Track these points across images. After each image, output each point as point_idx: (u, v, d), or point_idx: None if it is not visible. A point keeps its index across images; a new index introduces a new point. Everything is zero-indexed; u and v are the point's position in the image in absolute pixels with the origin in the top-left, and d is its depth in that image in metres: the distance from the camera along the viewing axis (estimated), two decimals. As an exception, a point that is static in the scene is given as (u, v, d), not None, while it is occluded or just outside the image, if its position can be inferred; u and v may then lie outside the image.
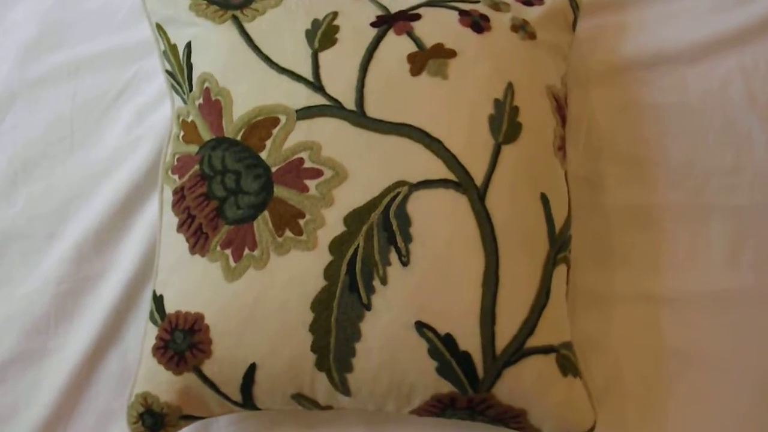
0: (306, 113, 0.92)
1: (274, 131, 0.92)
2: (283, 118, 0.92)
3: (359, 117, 0.91)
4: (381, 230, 0.87)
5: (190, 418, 0.96)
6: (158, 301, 0.94)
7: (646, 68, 1.19)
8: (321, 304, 0.87)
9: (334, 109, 0.92)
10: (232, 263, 0.90)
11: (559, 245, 0.93)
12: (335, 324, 0.87)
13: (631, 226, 1.11)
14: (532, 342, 0.88)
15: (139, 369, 0.95)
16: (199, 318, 0.90)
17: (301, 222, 0.89)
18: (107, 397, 1.08)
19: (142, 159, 1.16)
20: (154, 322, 0.94)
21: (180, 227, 0.94)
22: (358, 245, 0.88)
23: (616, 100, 1.18)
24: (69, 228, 1.16)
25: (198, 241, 0.92)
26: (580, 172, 1.12)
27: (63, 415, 1.08)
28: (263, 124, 0.92)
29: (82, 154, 1.20)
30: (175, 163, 0.98)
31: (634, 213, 1.12)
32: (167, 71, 1.05)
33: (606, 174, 1.14)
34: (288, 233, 0.89)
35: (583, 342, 1.00)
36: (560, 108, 1.00)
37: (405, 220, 0.88)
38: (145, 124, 1.19)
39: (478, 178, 0.89)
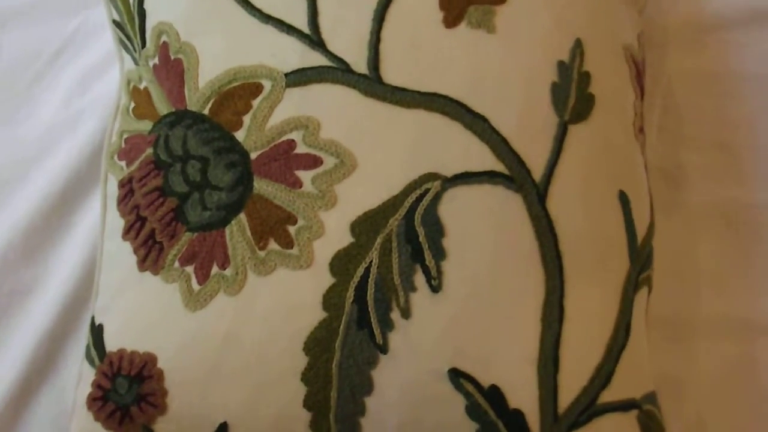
0: (299, 78, 0.81)
1: (255, 103, 0.81)
2: (267, 85, 0.81)
3: (373, 84, 0.80)
4: (403, 242, 0.77)
5: None
6: (97, 333, 0.83)
7: (740, 28, 1.08)
8: (318, 344, 0.76)
9: (338, 72, 0.81)
10: (196, 286, 0.79)
11: (642, 261, 0.82)
12: (338, 371, 0.76)
13: (719, 232, 1.00)
14: (608, 396, 0.76)
15: (71, 425, 0.84)
16: (150, 360, 0.80)
17: (292, 230, 0.78)
18: None
19: (85, 139, 1.07)
20: (91, 361, 0.82)
21: (126, 233, 0.83)
22: (371, 263, 0.77)
23: (700, 68, 1.07)
24: None
25: (149, 253, 0.81)
26: (653, 162, 0.99)
27: None
28: (240, 92, 0.82)
29: (8, 133, 1.11)
30: (123, 145, 0.88)
31: (723, 215, 1.01)
32: (115, 22, 0.95)
33: (686, 165, 1.03)
34: (273, 245, 0.78)
35: (660, 382, 0.86)
36: (639, 76, 0.89)
37: (437, 229, 0.77)
38: (89, 94, 1.11)
39: (537, 171, 0.78)
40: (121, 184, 0.86)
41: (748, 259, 1.00)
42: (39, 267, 1.05)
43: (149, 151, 0.85)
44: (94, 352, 0.83)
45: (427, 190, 0.79)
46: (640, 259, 0.82)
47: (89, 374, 0.83)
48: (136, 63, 0.91)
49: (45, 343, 1.01)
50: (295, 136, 0.81)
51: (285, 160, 0.81)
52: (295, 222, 0.80)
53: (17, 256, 1.05)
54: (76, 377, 0.86)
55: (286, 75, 0.82)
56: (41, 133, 1.11)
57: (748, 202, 1.02)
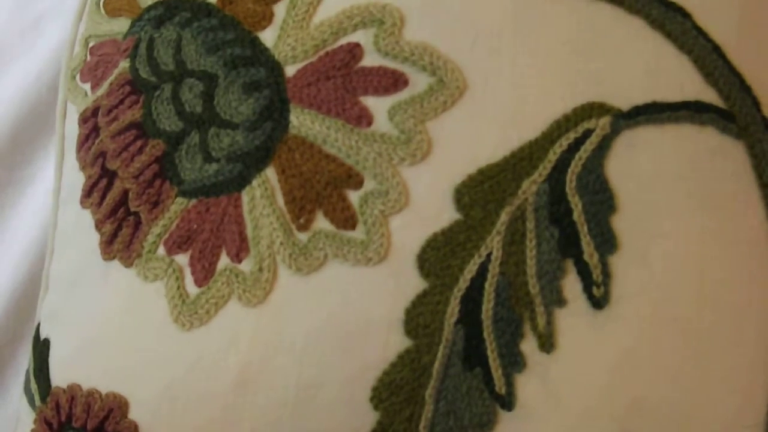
0: None
1: None
2: None
3: None
4: (545, 222, 0.57)
5: None
6: (41, 352, 0.67)
7: None
8: (397, 392, 0.58)
9: None
10: (193, 288, 0.60)
11: None
12: None
13: None
14: None
15: None
16: (117, 407, 0.61)
17: (354, 196, 0.58)
18: None
19: (46, 54, 0.91)
20: (30, 399, 0.66)
21: (87, 196, 0.65)
22: (490, 257, 0.57)
23: None
24: None
25: (119, 230, 0.63)
26: None
27: None
28: None
29: None
30: (88, 57, 0.71)
31: None
32: None
33: None
34: (322, 222, 0.58)
35: None
36: None
37: (603, 200, 0.57)
38: None
39: None
40: (83, 119, 0.68)
41: None
42: None
43: (124, 64, 0.66)
44: (34, 385, 0.66)
45: (587, 133, 0.57)
46: None
47: (28, 419, 0.67)
48: None
49: None
50: (362, 37, 0.60)
51: (344, 79, 0.60)
52: (360, 184, 0.59)
53: None
54: (15, 419, 0.72)
55: None
56: None
57: None
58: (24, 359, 0.81)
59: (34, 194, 0.89)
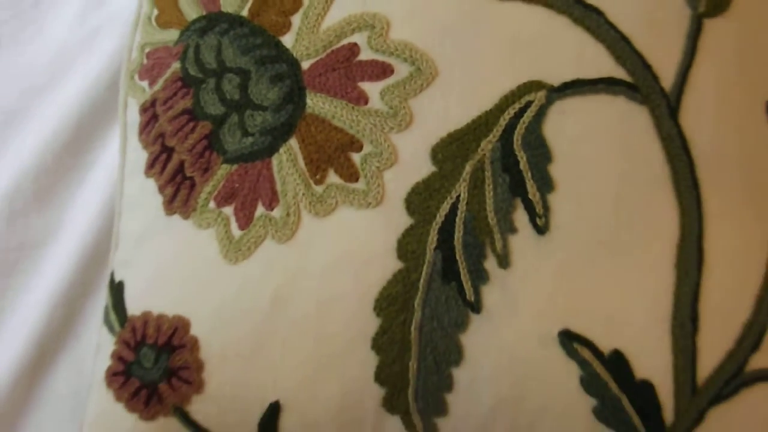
0: None
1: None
2: None
3: None
4: (499, 171, 0.70)
5: None
6: (117, 292, 0.78)
7: None
8: (393, 302, 0.70)
9: None
10: (236, 231, 0.73)
11: None
12: (418, 336, 0.70)
13: None
14: (760, 361, 0.69)
15: (87, 406, 0.78)
16: (181, 326, 0.73)
17: (356, 157, 0.71)
18: None
19: (103, 60, 1.02)
20: (110, 328, 0.77)
21: (150, 168, 0.78)
22: (458, 198, 0.70)
23: None
24: None
25: (178, 191, 0.75)
26: None
27: None
28: None
29: (12, 57, 1.06)
30: (145, 61, 0.82)
31: None
32: None
33: None
34: (333, 178, 0.72)
35: None
36: None
37: (542, 153, 0.70)
38: (107, 8, 1.06)
39: (667, 77, 0.70)
40: (143, 109, 0.80)
41: None
42: (52, 215, 0.99)
43: (176, 65, 0.78)
44: (113, 316, 0.78)
45: (528, 104, 0.70)
46: None
47: (108, 343, 0.77)
48: None
49: (61, 304, 0.95)
50: (358, 38, 0.73)
51: (346, 70, 0.73)
52: (360, 148, 0.71)
53: (26, 204, 1.00)
54: (95, 346, 0.81)
55: None
56: (51, 56, 1.06)
57: None
58: (91, 310, 0.94)
59: (95, 175, 0.98)
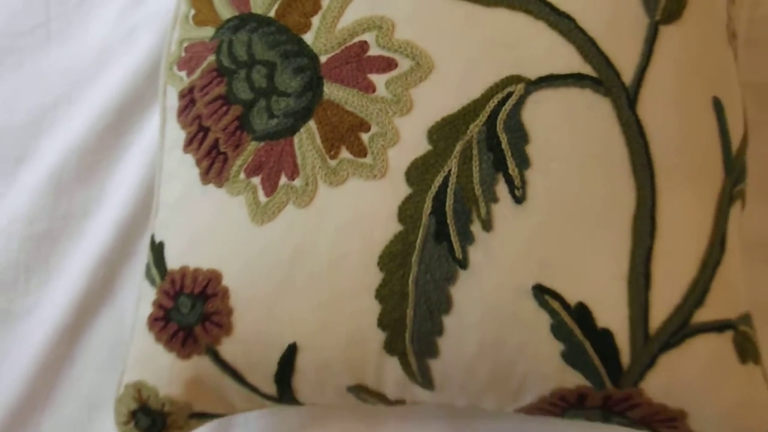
0: None
1: (325, 2, 0.81)
2: None
3: None
4: (484, 150, 0.76)
5: (203, 417, 0.86)
6: (157, 250, 0.83)
7: None
8: (393, 259, 0.75)
9: None
10: (263, 198, 0.79)
11: (737, 173, 0.80)
12: (414, 288, 0.75)
13: None
14: (702, 315, 0.74)
15: (130, 348, 0.84)
16: (214, 277, 0.79)
17: (365, 137, 0.77)
18: (94, 379, 1.00)
19: (141, 55, 1.08)
20: (152, 281, 0.82)
21: (188, 145, 0.83)
22: (450, 172, 0.76)
23: None
24: (44, 148, 1.07)
25: (213, 164, 0.81)
26: (741, 77, 0.92)
27: (36, 402, 1.00)
28: None
29: (61, 48, 1.11)
30: (183, 54, 0.87)
31: None
32: None
33: None
34: (345, 153, 0.78)
35: (752, 310, 0.83)
36: None
37: (520, 135, 0.75)
38: (144, 8, 1.11)
39: (627, 73, 0.76)
40: (182, 95, 0.86)
41: None
42: (94, 189, 1.06)
43: (211, 58, 0.85)
44: (154, 271, 0.84)
45: (509, 94, 0.77)
46: (735, 170, 0.81)
47: (150, 294, 0.83)
48: None
49: (102, 266, 1.02)
50: (368, 37, 0.80)
51: (357, 63, 0.80)
52: (368, 129, 0.78)
53: (72, 178, 1.06)
54: (136, 299, 0.87)
55: None
56: (94, 51, 1.11)
57: None
58: (127, 272, 1.01)
59: (132, 154, 1.05)
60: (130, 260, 1.03)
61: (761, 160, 0.96)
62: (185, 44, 0.88)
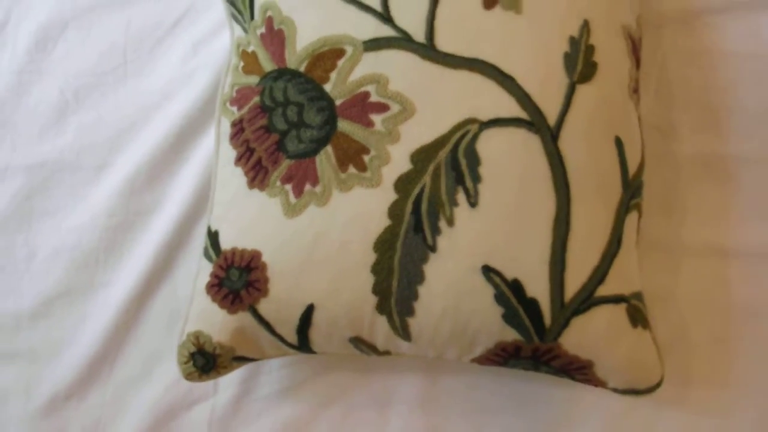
0: (373, 45, 0.88)
1: (340, 63, 0.88)
2: (349, 50, 0.88)
3: (429, 50, 0.87)
4: (449, 169, 0.84)
5: (242, 360, 0.94)
6: (213, 236, 0.92)
7: (721, 13, 1.13)
8: (384, 244, 0.84)
9: (402, 41, 0.87)
10: (293, 199, 0.87)
11: (632, 191, 0.89)
12: (398, 265, 0.84)
13: (702, 176, 1.08)
14: (603, 291, 0.85)
15: (191, 307, 0.92)
16: (256, 255, 0.88)
17: (366, 158, 0.86)
18: (155, 336, 1.09)
19: (198, 91, 1.14)
20: (209, 258, 0.91)
21: (238, 160, 0.91)
22: (425, 184, 0.84)
23: (689, 45, 1.13)
24: (120, 160, 1.14)
25: (257, 175, 0.89)
26: (650, 120, 1.08)
27: (109, 354, 1.09)
28: (328, 55, 0.89)
29: (135, 85, 1.18)
30: (234, 94, 0.95)
31: (705, 163, 1.08)
32: (228, 0, 1.01)
33: (678, 122, 1.10)
34: (351, 169, 0.86)
35: (649, 295, 0.96)
36: (635, 49, 0.96)
37: (474, 160, 0.84)
38: (200, 56, 1.17)
39: (552, 118, 0.85)
40: (233, 124, 0.92)
41: (724, 197, 1.07)
42: (159, 192, 1.14)
43: (256, 99, 0.91)
44: (211, 251, 0.91)
45: (468, 131, 0.85)
46: (631, 188, 0.89)
47: (207, 268, 0.91)
48: (245, 32, 0.97)
49: (163, 252, 1.11)
50: (370, 88, 0.87)
51: (361, 107, 0.87)
52: (368, 152, 0.86)
53: (142, 183, 1.14)
54: (194, 272, 0.94)
55: (364, 42, 0.88)
56: (162, 86, 1.17)
57: (724, 153, 1.08)
58: (182, 257, 1.10)
59: (189, 167, 1.12)
60: (184, 247, 1.10)
61: (663, 181, 1.07)
62: (236, 87, 0.95)
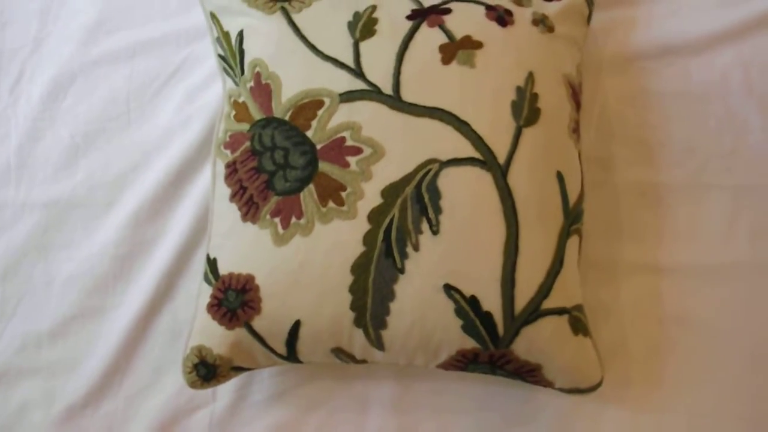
0: (348, 97, 0.94)
1: (319, 112, 0.94)
2: (327, 101, 0.95)
3: (396, 101, 0.94)
4: (414, 202, 0.91)
5: (239, 369, 1.00)
6: (212, 263, 0.98)
7: (654, 59, 1.21)
8: (360, 267, 0.91)
9: (373, 93, 0.94)
10: (281, 230, 0.93)
11: (572, 218, 0.96)
12: (372, 286, 0.90)
13: (637, 202, 1.14)
14: (547, 304, 0.92)
15: (193, 324, 0.98)
16: (250, 279, 0.94)
17: (343, 194, 0.92)
18: (160, 351, 1.13)
19: (193, 135, 1.19)
20: (209, 282, 0.97)
21: (232, 197, 0.97)
22: (394, 215, 0.91)
23: (626, 87, 1.19)
24: (126, 197, 1.19)
25: (249, 210, 0.96)
26: (592, 153, 1.14)
27: (120, 367, 1.13)
28: (309, 105, 0.95)
29: (138, 130, 1.22)
30: (227, 139, 1.01)
31: (640, 190, 1.14)
32: (220, 55, 1.07)
33: (616, 155, 1.16)
34: (331, 204, 0.92)
35: (592, 309, 1.02)
36: (575, 94, 1.03)
37: (436, 194, 0.91)
38: (195, 104, 1.21)
39: (501, 157, 0.92)
40: (227, 165, 0.99)
41: (657, 220, 1.13)
42: (161, 225, 1.18)
43: (247, 143, 0.98)
44: (210, 276, 0.98)
45: (430, 170, 0.92)
46: (572, 216, 0.96)
47: (207, 290, 0.97)
48: (236, 84, 1.03)
49: (164, 277, 1.15)
50: (346, 134, 0.94)
51: (339, 150, 0.94)
52: (345, 189, 0.92)
53: (145, 217, 1.18)
54: (194, 294, 1.00)
55: (340, 95, 0.95)
56: (161, 130, 1.22)
57: (657, 181, 1.15)
58: (182, 283, 1.14)
59: (187, 202, 1.17)
60: (183, 273, 1.15)
61: (603, 207, 1.14)
62: (229, 133, 1.01)
